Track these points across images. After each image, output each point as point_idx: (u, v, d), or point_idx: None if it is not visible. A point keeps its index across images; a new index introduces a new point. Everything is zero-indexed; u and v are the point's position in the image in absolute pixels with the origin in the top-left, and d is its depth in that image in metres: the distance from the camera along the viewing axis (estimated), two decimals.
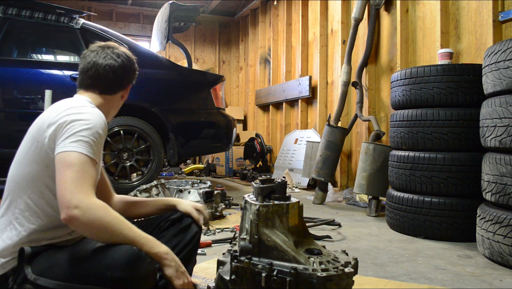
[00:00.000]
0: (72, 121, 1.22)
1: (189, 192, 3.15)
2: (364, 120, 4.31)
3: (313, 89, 5.78)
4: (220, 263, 1.44)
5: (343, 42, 5.02)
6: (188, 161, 7.48)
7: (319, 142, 4.45)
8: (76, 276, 1.13)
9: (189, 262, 1.56)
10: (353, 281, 1.26)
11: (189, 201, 1.62)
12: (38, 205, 1.25)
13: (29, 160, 1.27)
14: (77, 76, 1.45)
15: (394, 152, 3.03)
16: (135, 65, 1.52)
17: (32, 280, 1.15)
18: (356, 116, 4.34)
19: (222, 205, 3.31)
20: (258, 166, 6.82)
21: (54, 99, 3.19)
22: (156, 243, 1.20)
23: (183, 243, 1.48)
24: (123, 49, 1.50)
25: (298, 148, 5.70)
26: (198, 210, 1.57)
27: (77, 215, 1.09)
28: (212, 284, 1.51)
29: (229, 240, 2.32)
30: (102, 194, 1.56)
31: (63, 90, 3.70)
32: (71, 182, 1.12)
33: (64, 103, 1.33)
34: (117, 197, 1.64)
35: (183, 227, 1.53)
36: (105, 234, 1.13)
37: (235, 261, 1.30)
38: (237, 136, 7.44)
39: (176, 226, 1.52)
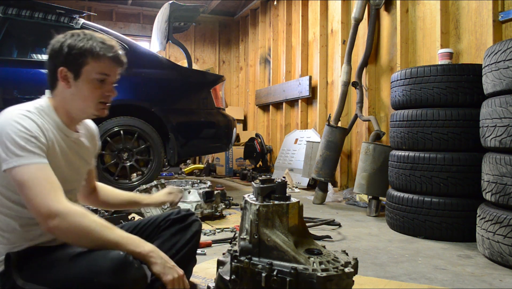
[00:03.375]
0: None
1: (189, 192, 3.15)
2: (364, 120, 4.31)
3: (313, 89, 5.78)
4: (220, 263, 1.45)
5: (343, 42, 5.02)
6: (188, 161, 7.48)
7: (319, 142, 4.45)
8: (64, 282, 1.12)
9: (189, 261, 1.56)
10: (353, 281, 1.26)
11: (155, 195, 1.67)
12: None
13: None
14: None
15: (394, 152, 3.03)
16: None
17: (21, 286, 1.14)
18: (356, 116, 4.34)
19: (222, 205, 3.31)
20: (258, 166, 6.81)
21: None
22: (140, 242, 1.18)
23: (182, 242, 1.48)
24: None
25: (298, 148, 5.70)
26: (170, 193, 1.66)
27: (57, 223, 1.10)
28: (212, 284, 1.51)
29: (229, 240, 2.32)
30: (87, 183, 1.56)
31: None
32: (41, 197, 1.10)
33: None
34: (99, 185, 1.64)
35: (182, 226, 1.53)
36: (87, 239, 1.12)
37: (235, 261, 1.30)
38: (237, 136, 7.44)
39: (176, 226, 1.52)
